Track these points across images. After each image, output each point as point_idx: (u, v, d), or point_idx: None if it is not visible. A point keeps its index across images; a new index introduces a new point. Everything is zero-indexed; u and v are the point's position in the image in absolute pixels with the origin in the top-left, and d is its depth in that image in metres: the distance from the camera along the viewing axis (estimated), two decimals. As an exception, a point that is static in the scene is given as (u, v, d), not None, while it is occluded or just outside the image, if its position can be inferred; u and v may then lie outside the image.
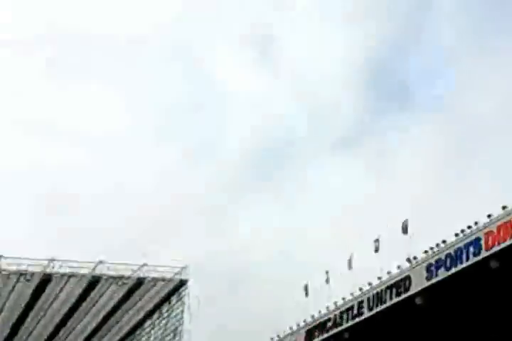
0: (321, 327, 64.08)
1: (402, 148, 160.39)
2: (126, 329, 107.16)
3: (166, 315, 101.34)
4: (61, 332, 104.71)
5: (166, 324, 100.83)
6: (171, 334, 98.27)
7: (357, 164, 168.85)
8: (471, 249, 46.58)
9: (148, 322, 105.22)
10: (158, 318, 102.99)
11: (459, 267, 47.60)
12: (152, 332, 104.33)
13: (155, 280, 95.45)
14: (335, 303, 62.93)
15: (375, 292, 56.91)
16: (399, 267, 54.73)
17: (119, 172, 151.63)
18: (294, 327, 69.22)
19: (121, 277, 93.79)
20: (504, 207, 44.67)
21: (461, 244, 47.90)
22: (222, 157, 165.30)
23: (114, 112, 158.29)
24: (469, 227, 47.60)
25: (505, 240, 43.84)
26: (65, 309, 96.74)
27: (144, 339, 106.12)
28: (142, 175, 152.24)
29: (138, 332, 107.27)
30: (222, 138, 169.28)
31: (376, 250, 56.72)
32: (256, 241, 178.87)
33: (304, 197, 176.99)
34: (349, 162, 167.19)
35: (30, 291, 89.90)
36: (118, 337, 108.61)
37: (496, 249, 44.38)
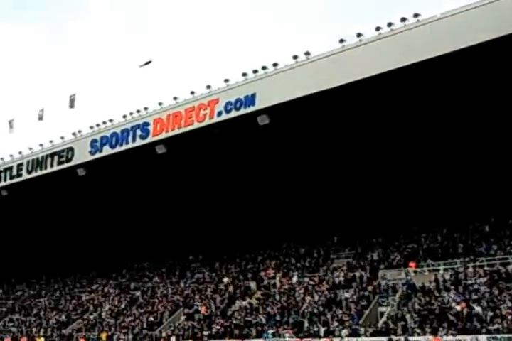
0: (-25, 182, 53.54)
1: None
2: None
3: None
4: None
5: None
6: None
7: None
8: (139, 132, 40.04)
9: None
10: None
11: (124, 147, 41.04)
12: None
13: None
14: (-8, 163, 52.61)
15: (35, 157, 47.99)
16: (62, 138, 46.00)
17: None
18: None
19: None
20: (175, 98, 38.16)
21: (128, 126, 40.91)
22: None
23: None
24: (138, 111, 40.45)
25: (173, 129, 38.02)
26: None
27: None
28: None
29: None
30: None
31: (40, 118, 46.62)
32: None
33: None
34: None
35: None
36: None
37: (164, 136, 38.50)
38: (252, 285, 42.57)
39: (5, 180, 50.76)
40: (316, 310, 35.38)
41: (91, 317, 49.98)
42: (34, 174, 47.97)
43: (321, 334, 33.17)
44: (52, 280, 63.24)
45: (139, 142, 40.02)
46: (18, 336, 52.24)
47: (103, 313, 49.57)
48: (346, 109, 32.98)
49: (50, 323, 52.57)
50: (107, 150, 42.12)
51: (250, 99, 34.13)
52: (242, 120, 34.74)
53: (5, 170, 50.94)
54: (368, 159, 37.78)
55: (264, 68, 33.92)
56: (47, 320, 53.48)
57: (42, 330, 51.36)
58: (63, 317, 52.46)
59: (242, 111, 34.52)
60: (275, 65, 33.46)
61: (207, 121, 36.33)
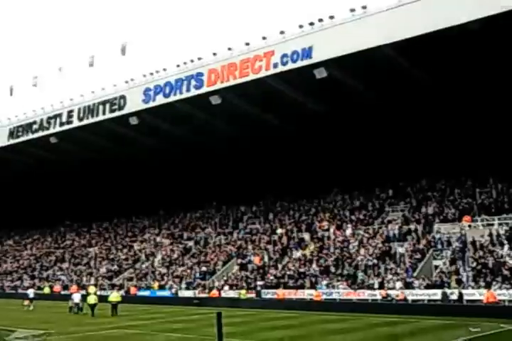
0: (25, 127, 60.13)
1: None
2: None
3: None
4: None
5: None
6: None
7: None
8: (193, 82, 45.29)
9: None
10: None
11: (178, 96, 46.47)
12: None
13: None
14: (42, 108, 58.84)
15: (86, 104, 54.01)
16: (115, 85, 51.73)
17: None
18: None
19: None
20: (230, 49, 43.20)
21: (182, 75, 46.20)
22: None
23: None
24: (192, 61, 45.62)
25: (228, 79, 43.16)
26: None
27: None
28: None
29: None
30: None
31: (91, 65, 52.29)
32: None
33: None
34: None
35: None
36: None
37: (218, 86, 43.74)
38: (306, 236, 48.36)
39: (54, 127, 57.31)
40: (370, 263, 40.68)
41: (143, 266, 56.77)
42: (85, 121, 54.05)
43: (375, 286, 38.38)
44: (103, 230, 70.61)
45: (193, 92, 45.27)
46: (68, 284, 58.93)
47: (155, 263, 56.35)
48: (404, 64, 37.42)
49: (100, 272, 59.41)
50: (160, 100, 47.64)
51: (307, 52, 38.71)
52: (299, 72, 39.51)
53: (55, 117, 57.14)
54: (429, 114, 42.14)
55: (320, 20, 38.30)
56: (97, 269, 60.49)
57: (92, 279, 58.08)
58: (115, 266, 59.35)
59: (299, 64, 39.21)
60: (331, 17, 37.79)
61: (262, 73, 41.30)
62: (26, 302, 47.69)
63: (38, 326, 26.37)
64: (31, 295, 48.63)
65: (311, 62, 38.61)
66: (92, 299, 39.92)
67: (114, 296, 40.54)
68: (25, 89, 59.74)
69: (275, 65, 40.48)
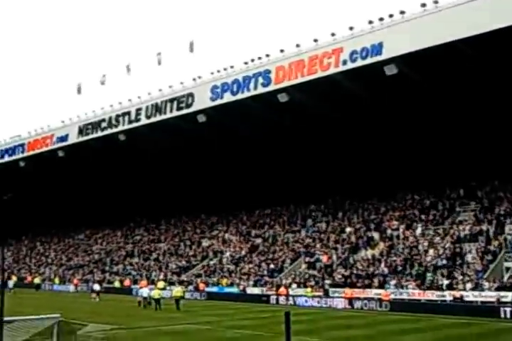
0: (94, 125, 61.58)
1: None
2: None
3: None
4: None
5: None
6: None
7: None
8: (260, 80, 45.55)
9: None
10: None
11: (246, 94, 46.83)
12: None
13: None
14: (111, 106, 60.22)
15: (154, 102, 54.98)
16: (182, 83, 52.49)
17: None
18: (67, 122, 65.71)
19: None
20: (298, 45, 43.22)
21: (250, 73, 46.53)
22: None
23: None
24: (260, 58, 45.89)
25: (296, 77, 43.21)
26: None
27: None
28: None
29: None
30: None
31: (159, 63, 53.20)
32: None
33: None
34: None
35: None
36: None
37: (286, 84, 43.85)
38: (376, 235, 48.27)
39: (123, 125, 58.50)
40: (439, 263, 40.45)
41: (211, 263, 57.72)
42: (153, 119, 55.16)
43: (444, 287, 38.16)
44: (172, 226, 71.96)
45: (260, 89, 45.68)
46: (137, 279, 60.17)
47: (223, 259, 57.22)
48: (475, 60, 36.69)
49: (169, 268, 60.62)
50: (228, 97, 48.16)
51: (377, 48, 38.52)
52: (369, 69, 39.29)
53: (123, 115, 58.39)
54: (495, 108, 41.34)
55: (390, 16, 38.08)
56: (166, 265, 61.73)
57: (162, 274, 59.28)
58: (183, 262, 60.54)
59: (369, 60, 39.04)
60: (402, 12, 37.51)
61: (331, 70, 41.26)
62: (93, 295, 50.10)
63: (108, 319, 27.30)
64: (97, 289, 51.17)
65: (381, 58, 38.36)
66: (156, 294, 41.23)
67: (177, 291, 41.83)
68: (93, 87, 60.86)
69: (344, 62, 40.40)
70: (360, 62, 39.62)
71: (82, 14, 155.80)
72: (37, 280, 67.85)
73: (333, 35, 41.01)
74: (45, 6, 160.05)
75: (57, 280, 69.06)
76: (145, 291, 43.69)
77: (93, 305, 45.13)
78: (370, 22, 39.01)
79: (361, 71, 39.85)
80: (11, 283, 61.40)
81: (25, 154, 70.48)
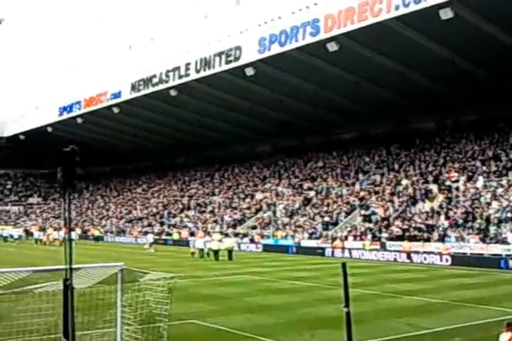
0: (146, 81, 59.24)
1: None
2: None
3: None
4: None
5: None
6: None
7: None
8: (309, 29, 41.91)
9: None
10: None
11: (294, 44, 43.33)
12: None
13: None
14: (161, 62, 57.62)
15: (202, 56, 51.98)
16: (229, 36, 49.26)
17: None
18: (120, 78, 63.50)
19: None
20: (347, -9, 39.26)
21: (297, 22, 42.88)
22: None
23: None
24: (307, 7, 42.17)
25: (345, 25, 39.47)
26: None
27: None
28: None
29: None
30: None
31: (205, 16, 50.17)
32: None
33: None
34: None
35: None
36: None
37: (336, 32, 40.14)
38: (434, 188, 44.91)
39: (173, 80, 56.02)
40: (503, 216, 37.23)
41: (265, 215, 55.78)
42: (202, 73, 52.47)
43: (509, 240, 35.19)
44: (225, 179, 69.96)
45: (309, 39, 42.14)
46: (194, 231, 58.90)
47: (277, 212, 55.05)
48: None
49: (224, 220, 59.11)
50: (275, 49, 44.84)
51: (431, -10, 34.48)
52: (423, 14, 35.34)
53: (173, 70, 55.93)
54: None
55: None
56: (221, 217, 60.20)
57: (217, 227, 57.90)
58: (237, 215, 58.86)
59: (423, 4, 35.04)
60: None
61: (383, 16, 37.38)
62: (146, 246, 49.40)
63: (167, 269, 26.37)
64: (150, 240, 50.61)
65: (436, 2, 34.28)
66: (214, 245, 40.46)
67: (229, 242, 41.20)
68: (143, 44, 58.49)
69: (396, 7, 36.45)
70: (413, 7, 35.60)
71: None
72: (97, 233, 67.45)
73: (383, -22, 36.94)
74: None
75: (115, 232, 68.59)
76: (199, 242, 42.95)
77: (150, 256, 44.24)
78: (425, -38, 34.79)
79: (414, 16, 35.93)
80: (74, 235, 60.71)
81: (82, 111, 69.16)
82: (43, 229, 68.35)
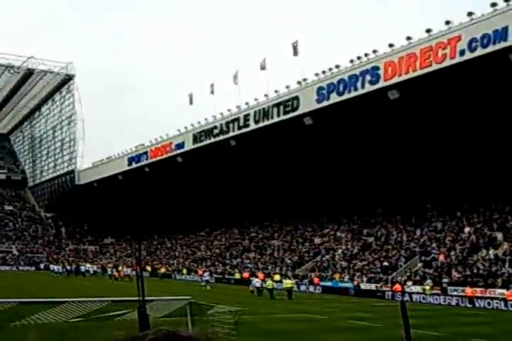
0: (207, 132, 54.92)
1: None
2: (25, 111, 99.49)
3: (58, 103, 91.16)
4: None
5: (60, 111, 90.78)
6: (66, 121, 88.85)
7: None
8: (368, 77, 36.65)
9: (44, 108, 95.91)
10: (52, 105, 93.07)
11: (353, 93, 38.06)
12: (49, 117, 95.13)
13: (43, 72, 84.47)
14: (221, 114, 53.29)
15: (261, 107, 47.34)
16: (287, 87, 44.27)
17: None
18: (182, 130, 59.54)
19: (12, 67, 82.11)
20: (409, 38, 33.91)
21: (356, 71, 37.70)
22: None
23: None
24: (366, 55, 36.90)
25: (407, 72, 34.05)
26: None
27: (42, 122, 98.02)
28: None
29: (36, 115, 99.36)
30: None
31: (262, 68, 45.34)
32: (143, 48, 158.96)
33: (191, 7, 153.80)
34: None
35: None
36: (19, 119, 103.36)
37: (397, 80, 34.72)
38: (499, 235, 38.44)
39: (233, 131, 51.57)
40: None
41: (324, 259, 50.20)
42: (261, 124, 47.82)
43: None
44: (284, 224, 64.43)
45: (368, 88, 36.93)
46: (255, 272, 53.95)
47: (336, 256, 49.28)
48: None
49: (284, 262, 53.84)
50: (334, 98, 39.75)
51: (501, 33, 28.96)
52: (490, 58, 29.78)
53: (233, 121, 51.63)
54: None
55: (516, -3, 28.42)
56: (281, 260, 54.97)
57: (277, 268, 52.78)
58: (296, 257, 53.53)
59: (491, 48, 29.53)
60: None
61: (447, 62, 31.90)
62: (203, 283, 46.85)
63: (231, 305, 23.34)
64: (207, 278, 48.22)
65: (505, 45, 28.69)
66: (270, 284, 38.76)
67: (287, 283, 39.05)
68: (203, 97, 54.55)
69: (462, 52, 30.91)
70: (480, 51, 30.12)
71: (182, 25, 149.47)
72: (162, 270, 64.07)
73: (447, 23, 31.52)
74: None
75: (184, 271, 63.96)
76: (257, 281, 41.84)
77: (209, 292, 40.92)
78: (493, 4, 29.30)
79: (482, 61, 30.34)
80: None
81: (149, 161, 65.66)
82: (115, 266, 65.18)
